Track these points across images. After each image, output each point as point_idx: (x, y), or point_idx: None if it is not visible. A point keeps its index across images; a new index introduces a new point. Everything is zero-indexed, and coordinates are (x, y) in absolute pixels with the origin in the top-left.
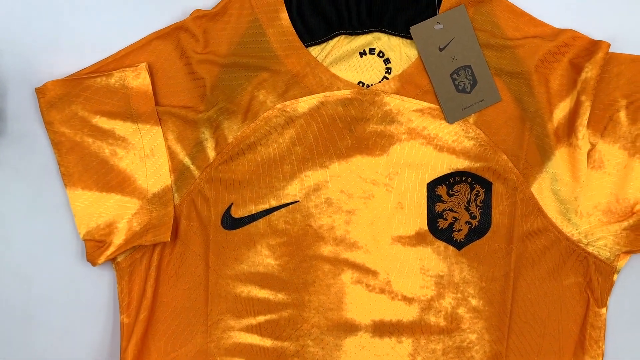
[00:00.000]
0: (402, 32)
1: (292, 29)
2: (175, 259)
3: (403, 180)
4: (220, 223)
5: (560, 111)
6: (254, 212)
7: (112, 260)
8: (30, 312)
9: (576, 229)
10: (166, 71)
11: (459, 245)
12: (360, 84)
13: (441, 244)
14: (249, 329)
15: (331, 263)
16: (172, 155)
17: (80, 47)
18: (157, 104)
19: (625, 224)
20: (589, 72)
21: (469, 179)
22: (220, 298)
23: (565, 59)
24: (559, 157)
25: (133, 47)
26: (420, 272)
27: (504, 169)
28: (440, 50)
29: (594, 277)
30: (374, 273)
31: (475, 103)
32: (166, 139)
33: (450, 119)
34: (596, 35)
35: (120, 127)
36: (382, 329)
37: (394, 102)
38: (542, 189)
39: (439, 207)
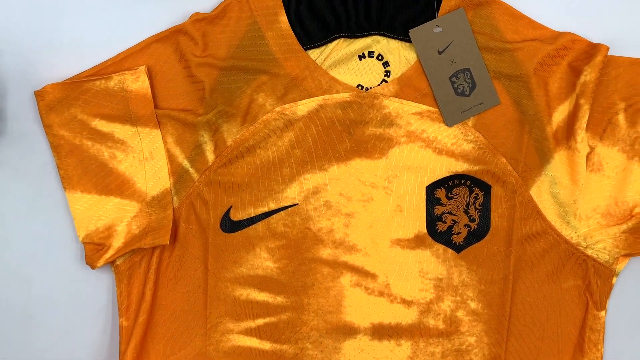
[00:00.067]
0: (401, 35)
1: (291, 32)
2: (174, 262)
3: (402, 183)
4: (220, 226)
5: (559, 114)
6: (253, 215)
7: (111, 263)
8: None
9: (575, 232)
10: (165, 74)
11: (458, 248)
12: (360, 87)
13: (440, 247)
14: (248, 332)
15: (330, 266)
16: (171, 158)
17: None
18: (156, 107)
19: (624, 226)
20: (588, 75)
21: (468, 182)
22: (219, 301)
23: (564, 62)
24: (558, 160)
25: (132, 50)
26: (419, 275)
27: (503, 172)
28: (439, 53)
29: (593, 280)
30: (373, 276)
31: (474, 106)
32: (165, 142)
33: (449, 122)
34: (595, 38)
35: (119, 130)
36: (381, 331)
37: (393, 105)
38: (541, 192)
39: (438, 210)
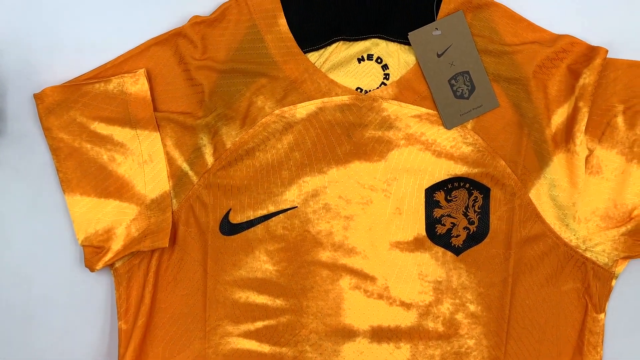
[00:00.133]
0: (400, 38)
1: (291, 35)
2: (173, 265)
3: (401, 186)
4: (219, 229)
5: (558, 117)
6: (252, 218)
7: (110, 266)
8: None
9: (574, 235)
10: (164, 77)
11: (457, 251)
12: (359, 90)
13: (439, 250)
14: (247, 335)
15: (329, 269)
16: (170, 161)
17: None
18: (155, 109)
19: (623, 229)
20: (587, 78)
21: (467, 185)
22: (218, 304)
23: (563, 64)
24: (557, 162)
25: (131, 53)
26: (418, 277)
27: (502, 174)
28: (439, 56)
29: (592, 283)
30: (372, 279)
31: (473, 109)
32: (164, 145)
33: (448, 124)
34: (594, 41)
35: (118, 132)
36: (380, 334)
37: (392, 108)
38: (540, 195)
39: (437, 212)
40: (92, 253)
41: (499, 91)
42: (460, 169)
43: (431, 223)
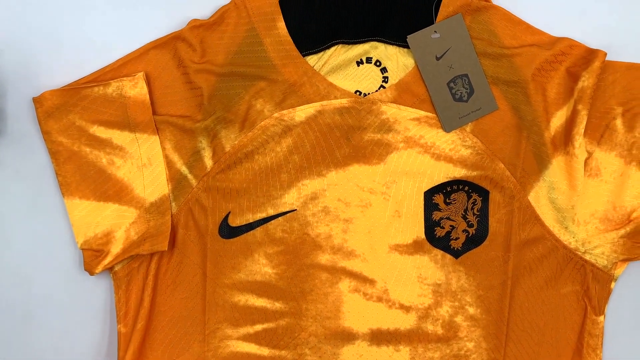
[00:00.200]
0: (399, 41)
1: (289, 38)
2: (172, 268)
3: (400, 188)
4: (218, 232)
5: (557, 120)
6: (251, 221)
7: (110, 269)
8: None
9: (573, 237)
10: (163, 80)
11: (456, 254)
12: (358, 93)
13: (438, 252)
14: (247, 338)
15: (328, 272)
16: (169, 164)
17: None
18: (154, 113)
19: (622, 231)
20: (586, 81)
21: (466, 188)
22: (217, 307)
23: (562, 67)
24: (556, 165)
25: (130, 56)
26: (417, 280)
27: (501, 177)
28: (437, 59)
29: (592, 285)
30: (372, 281)
31: (472, 112)
32: (163, 148)
33: (447, 127)
34: (593, 44)
35: (117, 136)
36: (379, 337)
37: (391, 111)
38: (539, 198)
39: (436, 215)
40: (91, 256)
41: (497, 94)
42: (459, 172)
43: (430, 226)
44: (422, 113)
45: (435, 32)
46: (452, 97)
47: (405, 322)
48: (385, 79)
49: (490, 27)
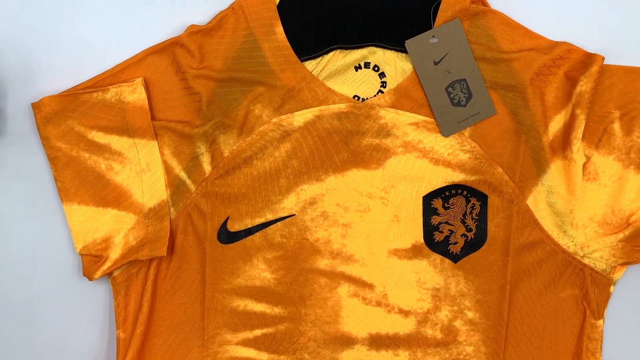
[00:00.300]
0: (397, 46)
1: (288, 44)
2: (171, 274)
3: (399, 193)
4: (217, 237)
5: (556, 124)
6: (250, 226)
7: (109, 274)
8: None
9: (572, 241)
10: (162, 86)
11: (455, 258)
12: (356, 98)
13: (437, 257)
14: (246, 343)
15: (327, 276)
16: (168, 169)
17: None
18: (153, 118)
19: (621, 235)
20: (584, 85)
21: (465, 192)
22: (216, 312)
23: (560, 72)
24: (555, 169)
25: (129, 62)
26: (416, 285)
27: (500, 181)
28: (436, 64)
29: (590, 289)
30: (371, 286)
31: (470, 116)
32: (162, 154)
33: (445, 132)
34: (590, 48)
35: (116, 141)
36: (378, 342)
37: (389, 116)
38: (537, 202)
39: (435, 220)
40: (90, 262)
41: (496, 98)
42: (457, 177)
43: (429, 230)
44: (421, 118)
45: (434, 36)
46: (451, 101)
47: (404, 326)
48: (384, 84)
49: (489, 32)
